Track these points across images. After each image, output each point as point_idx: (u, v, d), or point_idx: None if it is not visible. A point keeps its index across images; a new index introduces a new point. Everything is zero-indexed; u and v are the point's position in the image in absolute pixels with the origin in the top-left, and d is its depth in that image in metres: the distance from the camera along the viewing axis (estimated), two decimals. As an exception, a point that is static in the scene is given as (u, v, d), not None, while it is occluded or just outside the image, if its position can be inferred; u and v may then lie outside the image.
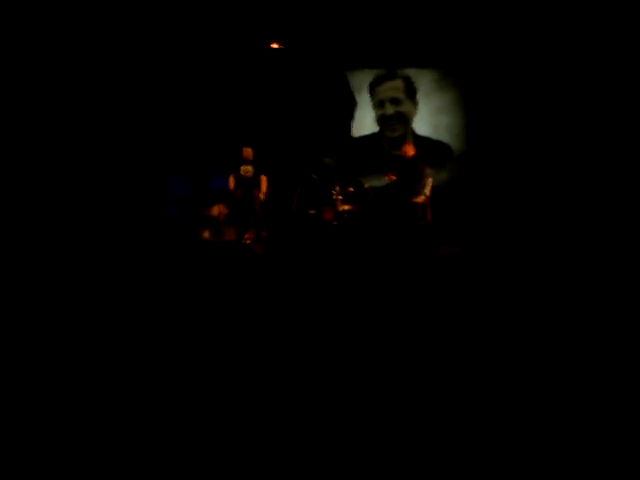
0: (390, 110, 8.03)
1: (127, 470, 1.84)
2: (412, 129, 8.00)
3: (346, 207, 6.57)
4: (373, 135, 8.10)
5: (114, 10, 6.56)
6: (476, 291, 4.25)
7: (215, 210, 6.61)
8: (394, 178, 6.45)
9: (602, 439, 1.97)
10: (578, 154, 6.70)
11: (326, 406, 2.27)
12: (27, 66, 6.13)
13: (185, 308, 3.80)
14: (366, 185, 6.85)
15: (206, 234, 6.30)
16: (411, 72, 7.95)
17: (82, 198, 6.47)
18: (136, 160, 7.04)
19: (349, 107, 8.06)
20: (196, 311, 3.70)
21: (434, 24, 7.31)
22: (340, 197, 6.55)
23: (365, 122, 8.11)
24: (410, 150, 6.51)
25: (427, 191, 6.32)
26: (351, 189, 6.62)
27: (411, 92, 7.98)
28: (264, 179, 6.84)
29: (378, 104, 8.07)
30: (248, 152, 6.82)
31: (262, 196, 6.76)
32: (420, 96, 7.97)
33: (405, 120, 8.01)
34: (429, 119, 7.97)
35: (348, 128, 8.07)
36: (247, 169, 6.79)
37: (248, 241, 6.37)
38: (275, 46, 7.54)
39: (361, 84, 8.07)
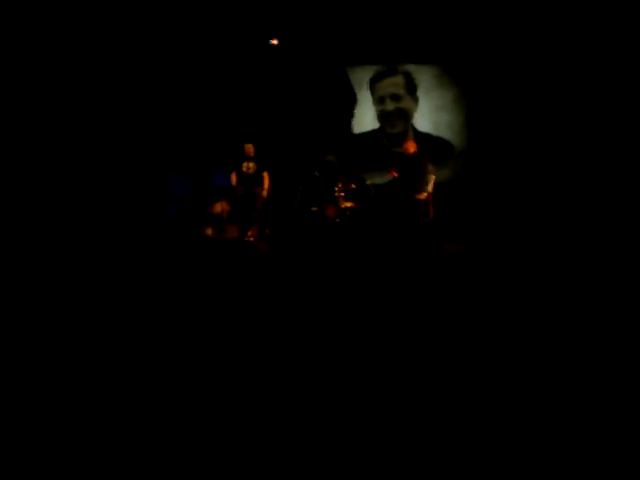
0: (390, 106, 8.02)
1: (127, 470, 1.86)
2: (413, 125, 8.00)
3: (348, 204, 6.58)
4: (373, 131, 8.10)
5: (114, 10, 6.53)
6: (478, 288, 4.27)
7: (218, 207, 6.60)
8: (396, 175, 6.45)
9: (602, 438, 1.99)
10: (579, 151, 6.71)
11: (328, 403, 2.29)
12: (26, 66, 6.10)
13: (189, 305, 3.81)
14: (368, 182, 6.86)
15: (209, 231, 6.31)
16: (411, 68, 7.94)
17: (83, 199, 6.45)
18: (137, 160, 7.02)
19: (349, 103, 8.05)
20: (200, 308, 3.71)
21: (435, 20, 7.29)
22: (342, 194, 6.55)
23: (366, 118, 8.10)
24: (411, 147, 6.51)
25: (429, 188, 6.34)
26: (353, 186, 6.62)
27: (411, 88, 7.97)
28: (266, 176, 6.84)
29: (378, 100, 8.05)
30: (250, 149, 6.82)
31: (264, 193, 6.76)
32: (421, 92, 7.95)
33: (405, 116, 8.00)
34: (430, 115, 7.97)
35: (349, 125, 8.07)
36: (249, 166, 6.79)
37: (251, 238, 6.38)
38: (275, 43, 7.52)
39: (361, 80, 8.05)
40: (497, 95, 7.46)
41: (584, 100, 6.73)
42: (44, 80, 6.26)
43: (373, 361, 2.76)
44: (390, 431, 2.06)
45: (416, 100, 7.98)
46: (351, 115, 8.07)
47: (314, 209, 6.67)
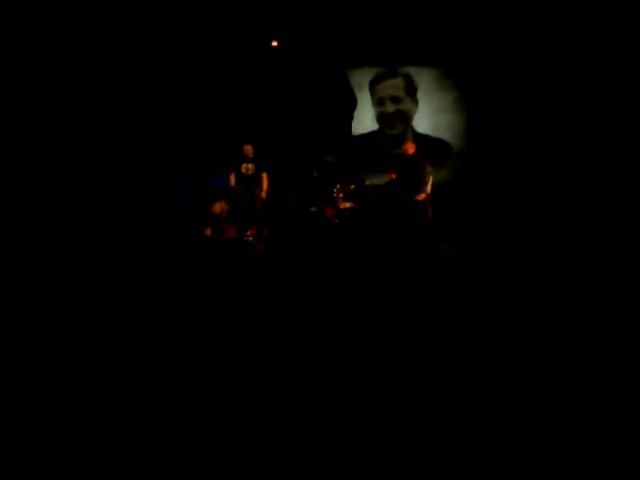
0: (390, 108, 8.03)
1: (127, 470, 1.85)
2: (412, 127, 8.01)
3: (347, 205, 6.58)
4: (373, 133, 8.11)
5: (118, 9, 6.55)
6: (477, 289, 4.26)
7: (217, 207, 6.60)
8: (394, 176, 6.46)
9: (602, 438, 1.98)
10: (578, 152, 6.72)
11: (327, 403, 2.28)
12: (33, 65, 6.13)
13: (187, 305, 3.80)
14: (367, 183, 6.86)
15: (208, 231, 6.31)
16: (411, 70, 7.94)
17: (85, 197, 6.46)
18: (139, 159, 7.03)
19: (349, 105, 8.06)
20: (198, 308, 3.71)
21: (434, 22, 7.31)
22: (341, 195, 6.55)
23: (365, 120, 8.11)
24: (410, 148, 6.52)
25: (428, 189, 6.34)
26: (352, 187, 6.62)
27: (411, 90, 7.98)
28: (265, 177, 6.84)
29: (378, 102, 8.06)
30: (249, 150, 6.83)
31: (263, 194, 6.77)
32: (420, 94, 7.96)
33: (405, 118, 8.01)
34: (429, 117, 7.97)
35: (348, 126, 8.08)
36: (248, 167, 6.80)
37: (250, 238, 6.38)
38: (275, 44, 7.53)
39: (361, 82, 8.07)
40: (497, 96, 7.46)
41: (584, 102, 6.74)
42: (50, 81, 6.29)
43: (372, 361, 2.76)
44: (390, 431, 2.05)
45: (416, 102, 7.98)
46: (351, 117, 8.08)
47: (313, 210, 6.67)
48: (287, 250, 6.08)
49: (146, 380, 2.54)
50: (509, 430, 2.04)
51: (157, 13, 6.82)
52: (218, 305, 3.79)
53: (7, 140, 5.89)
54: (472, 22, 7.22)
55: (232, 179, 6.83)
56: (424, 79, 7.94)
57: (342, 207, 6.53)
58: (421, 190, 6.28)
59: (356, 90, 8.06)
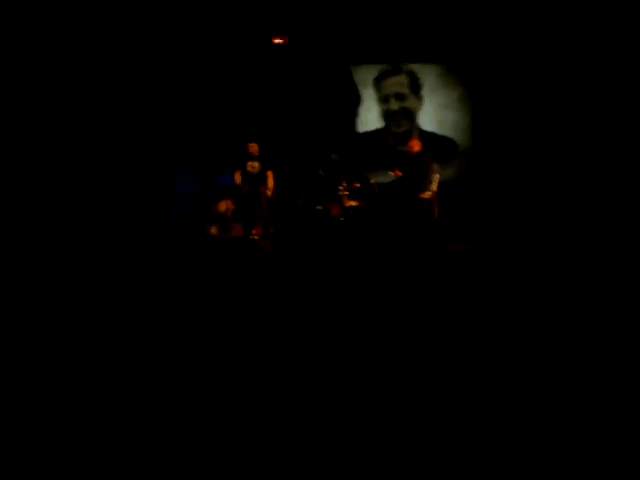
0: (395, 105, 8.01)
1: (127, 470, 1.86)
2: (417, 124, 7.99)
3: (352, 203, 6.58)
4: (378, 131, 8.09)
5: (121, 7, 6.56)
6: (483, 287, 4.26)
7: (222, 206, 6.59)
8: (400, 174, 6.45)
9: (602, 439, 1.98)
10: (584, 150, 6.69)
11: (332, 401, 2.28)
12: (40, 64, 6.15)
13: (193, 304, 3.81)
14: (372, 181, 6.86)
15: (213, 230, 6.31)
16: (416, 67, 7.92)
17: (88, 195, 6.48)
18: (142, 157, 7.04)
19: (354, 102, 8.05)
20: (204, 306, 3.72)
21: (439, 19, 7.28)
22: (346, 193, 6.55)
23: (370, 117, 8.09)
24: (416, 146, 6.51)
25: (434, 187, 6.33)
26: (357, 185, 6.62)
27: (416, 87, 7.96)
28: (270, 175, 6.84)
29: (383, 99, 8.04)
30: (254, 148, 6.83)
31: (269, 192, 6.77)
32: (425, 91, 7.94)
33: (410, 115, 7.99)
34: (434, 114, 7.95)
35: (353, 124, 8.07)
36: (253, 165, 6.79)
37: (255, 237, 6.39)
38: (279, 42, 7.52)
39: (366, 79, 8.04)
40: (502, 93, 7.43)
41: (589, 99, 6.71)
42: (53, 80, 6.30)
43: (377, 359, 2.76)
44: (391, 431, 2.06)
45: (421, 99, 7.96)
46: (355, 114, 8.07)
47: (318, 208, 6.67)
48: (293, 248, 6.09)
49: (151, 378, 2.55)
50: (510, 430, 2.04)
51: (161, 9, 6.81)
52: (224, 303, 3.80)
53: (9, 140, 5.91)
54: (476, 18, 7.19)
55: (237, 177, 6.83)
56: (428, 76, 7.92)
57: (347, 205, 6.53)
58: (427, 188, 6.27)
59: (360, 87, 8.04)
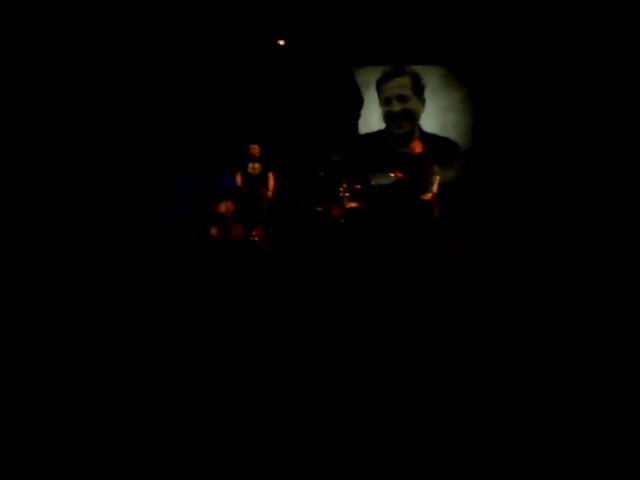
0: (397, 107, 8.00)
1: (127, 470, 1.85)
2: (419, 126, 7.98)
3: (353, 204, 6.57)
4: (380, 132, 8.08)
5: (123, 8, 6.59)
6: (484, 288, 4.24)
7: (222, 207, 6.62)
8: (400, 175, 6.44)
9: (603, 439, 1.97)
10: (585, 152, 6.67)
11: (331, 402, 2.27)
12: (41, 64, 6.19)
13: (192, 304, 3.81)
14: (372, 182, 6.85)
15: (213, 231, 6.33)
16: (418, 69, 7.91)
17: (89, 196, 6.50)
18: (143, 158, 7.06)
19: (356, 104, 8.04)
20: (204, 307, 3.72)
21: (442, 21, 7.27)
22: (347, 194, 6.54)
23: (372, 119, 8.08)
24: (417, 147, 6.50)
25: (434, 188, 6.31)
26: (358, 186, 6.61)
27: (418, 89, 7.95)
28: (271, 176, 6.85)
29: (385, 101, 8.04)
30: (255, 149, 6.84)
31: (269, 193, 6.78)
32: (427, 93, 7.93)
33: (412, 117, 7.97)
34: (436, 116, 7.94)
35: (355, 125, 8.06)
36: (254, 166, 6.80)
37: (255, 238, 6.39)
38: (281, 43, 7.53)
39: (368, 81, 8.04)
40: (504, 95, 7.42)
41: (591, 101, 6.69)
42: (55, 80, 6.34)
43: (378, 361, 2.75)
44: (392, 431, 2.05)
45: (423, 101, 7.95)
46: (357, 115, 8.06)
47: (319, 209, 6.66)
48: (293, 250, 6.08)
49: (151, 378, 2.54)
50: (511, 430, 2.02)
51: (165, 13, 6.84)
52: (224, 304, 3.79)
53: (10, 140, 5.94)
54: (478, 20, 7.18)
55: (238, 179, 6.84)
56: (431, 78, 7.91)
57: (348, 207, 6.52)
58: (427, 189, 6.25)
59: (363, 89, 8.03)
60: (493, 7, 6.96)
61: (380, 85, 8.04)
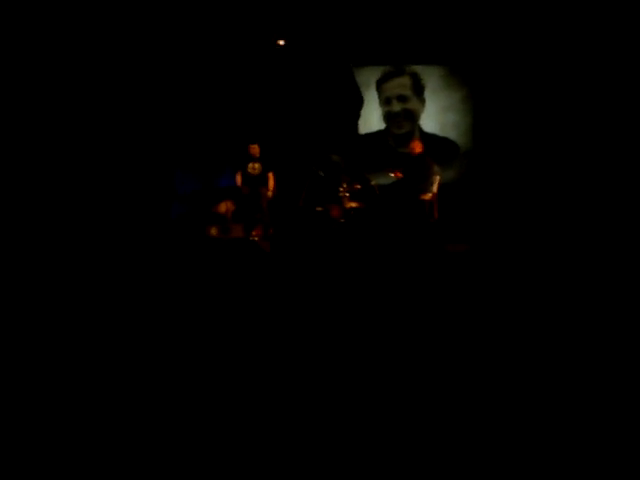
0: (397, 107, 8.00)
1: (127, 470, 1.85)
2: (419, 126, 7.98)
3: (353, 204, 6.57)
4: (380, 132, 8.08)
5: (123, 8, 6.59)
6: (484, 288, 4.24)
7: (222, 207, 6.62)
8: (400, 175, 6.44)
9: (603, 439, 1.97)
10: (585, 152, 6.67)
11: (330, 402, 2.27)
12: (41, 65, 6.19)
13: (192, 304, 3.81)
14: (372, 182, 6.84)
15: (213, 231, 6.33)
16: (419, 69, 7.91)
17: (88, 195, 6.50)
18: (143, 158, 7.07)
19: (356, 104, 8.04)
20: (203, 307, 3.72)
21: (442, 20, 7.27)
22: (347, 194, 6.54)
23: (372, 119, 8.08)
24: (417, 147, 6.49)
25: (434, 188, 6.31)
26: (358, 186, 6.61)
27: (418, 89, 7.94)
28: (271, 176, 6.85)
29: (385, 101, 8.03)
30: (255, 149, 6.84)
31: (269, 193, 6.78)
32: (427, 93, 7.92)
33: (412, 117, 7.97)
34: (436, 116, 7.94)
35: (355, 125, 8.06)
36: (254, 166, 6.80)
37: (255, 238, 6.39)
38: (281, 43, 7.53)
39: (368, 81, 8.04)
40: (504, 95, 7.42)
41: (591, 101, 6.69)
42: (55, 80, 6.34)
43: (377, 361, 2.75)
44: (392, 431, 2.05)
45: (423, 101, 7.95)
46: (357, 115, 8.06)
47: (319, 209, 6.66)
48: (293, 250, 6.08)
49: (151, 379, 2.54)
50: (511, 430, 2.02)
51: (162, 11, 6.84)
52: (224, 304, 3.79)
53: (10, 140, 5.94)
54: (478, 20, 7.18)
55: (238, 179, 6.84)
56: (431, 78, 7.90)
57: (348, 207, 6.52)
58: (427, 189, 6.25)
59: (363, 89, 8.03)
60: (493, 7, 6.96)
61: (380, 85, 8.03)
